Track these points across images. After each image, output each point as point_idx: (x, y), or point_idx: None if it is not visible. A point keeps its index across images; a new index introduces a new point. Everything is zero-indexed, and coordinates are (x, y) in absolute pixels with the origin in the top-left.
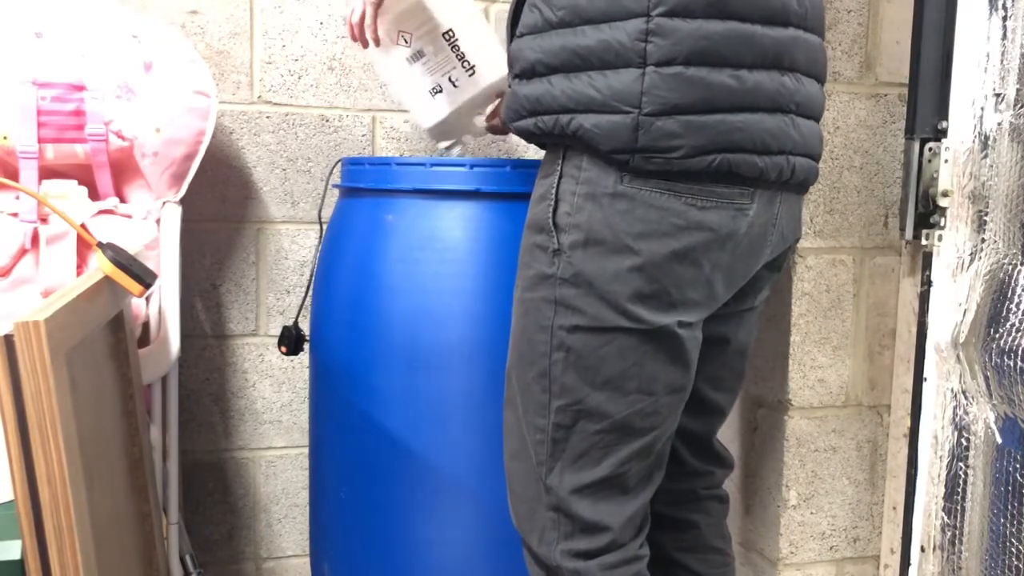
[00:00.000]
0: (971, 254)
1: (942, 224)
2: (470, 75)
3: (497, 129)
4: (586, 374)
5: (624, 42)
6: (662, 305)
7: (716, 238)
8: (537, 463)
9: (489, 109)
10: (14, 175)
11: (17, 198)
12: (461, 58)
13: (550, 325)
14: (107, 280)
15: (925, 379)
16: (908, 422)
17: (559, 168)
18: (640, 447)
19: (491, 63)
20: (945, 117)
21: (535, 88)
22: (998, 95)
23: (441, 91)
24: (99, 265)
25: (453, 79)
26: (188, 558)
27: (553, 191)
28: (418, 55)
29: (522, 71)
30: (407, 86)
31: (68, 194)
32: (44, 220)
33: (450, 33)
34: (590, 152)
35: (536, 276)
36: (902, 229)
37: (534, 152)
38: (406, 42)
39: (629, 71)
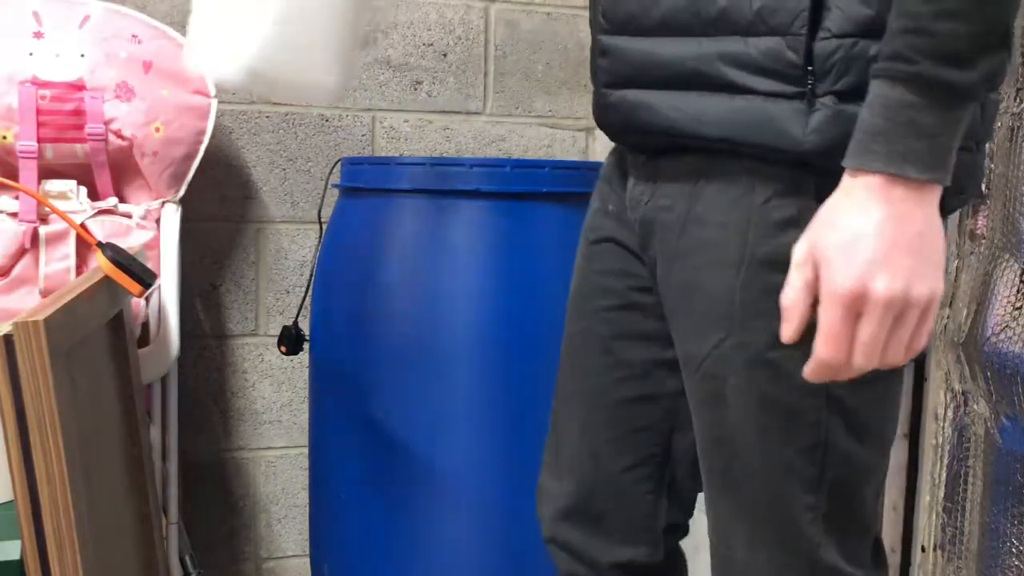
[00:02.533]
0: (971, 253)
1: None
2: None
3: None
4: (857, 432)
5: None
6: None
7: None
8: (814, 546)
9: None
10: (14, 175)
11: (16, 198)
12: None
13: (823, 386)
14: (107, 280)
15: (925, 379)
16: (908, 422)
17: (812, 186)
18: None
19: None
20: None
21: None
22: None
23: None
24: (99, 265)
25: None
26: (188, 558)
27: (806, 215)
28: None
29: None
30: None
31: (68, 194)
32: (44, 220)
33: None
34: None
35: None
36: None
37: (532, 152)
38: None
39: None
